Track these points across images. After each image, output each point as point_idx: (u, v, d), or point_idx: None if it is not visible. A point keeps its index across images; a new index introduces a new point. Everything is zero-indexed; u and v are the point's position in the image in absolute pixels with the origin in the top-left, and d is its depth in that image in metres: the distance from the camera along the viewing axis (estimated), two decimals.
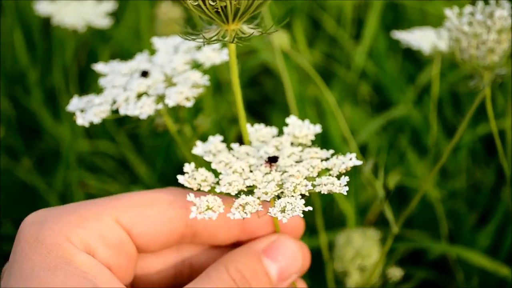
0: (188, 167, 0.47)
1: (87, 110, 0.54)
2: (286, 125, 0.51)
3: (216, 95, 0.99)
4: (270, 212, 0.43)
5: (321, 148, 0.49)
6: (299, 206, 0.43)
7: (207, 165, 0.49)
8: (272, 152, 0.49)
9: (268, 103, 1.12)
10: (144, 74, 0.56)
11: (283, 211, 0.43)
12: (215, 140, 0.50)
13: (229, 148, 0.50)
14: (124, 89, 0.55)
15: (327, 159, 0.48)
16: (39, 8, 0.95)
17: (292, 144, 0.50)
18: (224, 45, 0.57)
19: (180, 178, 0.47)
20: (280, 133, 0.52)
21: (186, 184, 0.46)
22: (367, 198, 0.90)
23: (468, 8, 0.59)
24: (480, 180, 0.95)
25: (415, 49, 0.79)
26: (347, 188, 0.44)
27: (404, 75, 1.05)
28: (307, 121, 0.51)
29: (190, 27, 0.49)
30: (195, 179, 0.47)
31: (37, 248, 0.42)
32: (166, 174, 1.03)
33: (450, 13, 0.59)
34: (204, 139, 0.53)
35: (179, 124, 0.65)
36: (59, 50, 1.08)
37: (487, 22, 0.57)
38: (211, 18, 0.46)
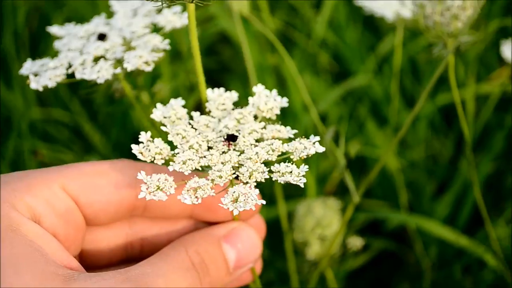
0: (143, 137, 0.45)
1: (41, 74, 0.52)
2: (252, 94, 0.49)
3: (174, 63, 0.97)
4: (221, 203, 0.41)
5: (281, 119, 0.48)
6: (253, 198, 0.41)
7: (164, 136, 0.47)
8: (232, 127, 0.46)
9: (226, 72, 1.11)
10: (102, 37, 0.53)
11: (235, 201, 0.41)
12: (176, 104, 0.48)
13: (190, 116, 0.48)
14: (80, 53, 0.53)
15: (290, 139, 0.46)
16: None
17: (255, 117, 0.48)
18: (185, 9, 0.55)
19: (134, 148, 0.44)
20: (243, 103, 0.50)
21: (139, 156, 0.44)
22: (325, 167, 0.90)
23: None
24: (439, 151, 0.95)
25: (377, 17, 0.78)
26: (305, 180, 0.42)
27: (364, 45, 1.04)
28: (274, 92, 0.48)
29: None
30: (149, 150, 0.44)
31: None
32: (122, 143, 1.01)
33: None
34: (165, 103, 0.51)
35: (137, 90, 0.63)
36: (9, 15, 1.05)
37: None
38: None
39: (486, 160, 0.86)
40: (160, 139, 0.45)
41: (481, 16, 1.01)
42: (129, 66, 0.50)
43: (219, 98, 0.49)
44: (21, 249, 0.40)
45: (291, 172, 0.42)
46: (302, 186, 0.42)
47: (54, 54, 0.55)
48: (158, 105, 0.48)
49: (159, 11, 0.57)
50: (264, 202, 0.41)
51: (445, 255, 0.83)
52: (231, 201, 0.41)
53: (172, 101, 0.48)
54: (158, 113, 0.48)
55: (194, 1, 0.45)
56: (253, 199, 0.41)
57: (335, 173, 0.81)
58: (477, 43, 0.95)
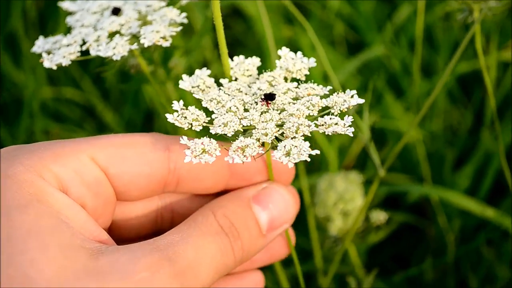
0: (177, 105, 0.44)
1: (54, 51, 0.51)
2: (269, 66, 0.48)
3: (186, 39, 0.95)
4: (274, 156, 0.40)
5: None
6: (306, 149, 0.40)
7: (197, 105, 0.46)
8: (266, 89, 0.45)
9: (239, 46, 1.09)
10: (116, 11, 0.52)
11: (288, 154, 0.40)
12: (202, 74, 0.47)
13: (218, 84, 0.47)
14: (94, 29, 0.51)
15: (325, 95, 0.45)
16: None
17: (285, 79, 0.47)
18: None
19: (169, 117, 0.43)
20: (264, 68, 0.49)
21: (176, 123, 0.43)
22: (344, 140, 0.88)
23: None
24: (458, 121, 0.93)
25: None
26: (352, 129, 0.41)
27: (379, 15, 1.02)
28: (299, 53, 0.48)
29: None
30: (185, 118, 0.43)
31: (6, 184, 0.39)
32: (134, 121, 0.99)
33: None
34: (177, 83, 0.50)
35: (153, 65, 0.61)
36: None
37: None
38: None
39: (508, 129, 0.84)
40: (194, 106, 0.44)
41: None
42: (146, 42, 0.49)
43: (242, 64, 0.48)
44: (47, 220, 0.38)
45: (336, 123, 0.42)
46: (351, 135, 0.41)
47: (64, 32, 0.53)
48: (184, 76, 0.47)
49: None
50: (318, 152, 0.40)
51: (468, 227, 0.82)
52: (284, 154, 0.40)
53: (197, 71, 0.47)
54: (186, 83, 0.46)
55: None
56: (306, 150, 0.40)
57: (354, 146, 0.80)
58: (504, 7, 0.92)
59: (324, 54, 0.63)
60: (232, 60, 0.48)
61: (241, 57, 0.48)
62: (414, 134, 0.83)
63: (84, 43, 0.51)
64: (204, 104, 0.44)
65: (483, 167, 0.84)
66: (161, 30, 0.49)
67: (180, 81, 0.46)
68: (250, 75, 0.47)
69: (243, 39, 1.10)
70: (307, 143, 0.40)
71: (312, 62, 0.47)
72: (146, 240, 0.40)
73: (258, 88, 0.45)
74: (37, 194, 0.39)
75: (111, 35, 0.51)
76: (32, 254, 0.37)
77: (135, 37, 0.51)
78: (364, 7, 1.01)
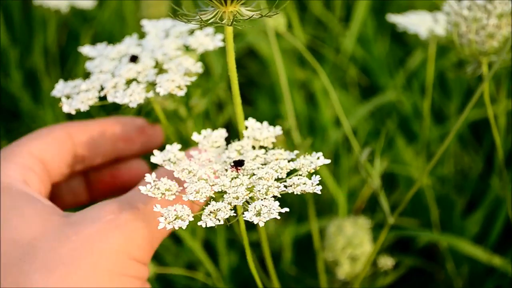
0: (149, 177, 0.46)
1: (74, 96, 0.52)
2: (246, 128, 0.50)
3: (204, 80, 0.97)
4: (245, 216, 0.42)
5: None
6: (275, 208, 0.42)
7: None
8: (235, 157, 0.48)
9: (254, 86, 1.10)
10: (134, 59, 0.54)
11: (258, 214, 0.42)
12: (173, 149, 0.49)
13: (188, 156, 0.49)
14: (112, 75, 0.53)
15: (292, 160, 0.47)
16: None
17: (253, 147, 0.49)
18: (218, 30, 0.55)
19: (142, 189, 0.45)
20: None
21: (150, 195, 0.45)
22: (355, 183, 0.89)
23: None
24: (469, 166, 0.94)
25: (411, 33, 0.77)
26: (320, 187, 0.43)
27: (392, 59, 1.03)
28: (265, 123, 0.50)
29: (174, 9, 0.47)
30: (158, 188, 0.46)
31: None
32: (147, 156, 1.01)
33: None
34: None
35: (176, 103, 0.63)
36: (39, 31, 1.05)
37: (487, 6, 0.56)
38: None
39: None
40: (166, 177, 0.46)
41: None
42: (162, 91, 0.50)
43: (210, 137, 0.50)
44: (22, 198, 0.48)
45: (305, 183, 0.44)
46: (319, 192, 0.43)
47: (83, 70, 0.55)
48: (155, 151, 0.49)
49: (191, 32, 0.56)
50: (287, 209, 0.42)
51: (476, 273, 0.82)
52: (254, 214, 0.42)
53: (168, 146, 0.49)
54: (157, 158, 0.49)
55: (232, 24, 0.45)
56: (275, 209, 0.42)
57: (365, 190, 0.81)
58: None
59: (336, 98, 0.64)
60: (199, 133, 0.51)
61: (209, 130, 0.51)
62: (424, 179, 0.83)
63: (102, 88, 0.52)
64: (176, 175, 0.46)
65: (492, 214, 0.85)
66: (177, 79, 0.51)
67: (151, 156, 0.49)
68: (219, 146, 0.50)
69: (258, 79, 1.12)
70: (277, 203, 0.42)
71: (278, 130, 0.50)
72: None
73: (228, 157, 0.48)
74: (10, 183, 0.50)
75: (128, 82, 0.52)
76: (14, 223, 0.47)
77: (151, 85, 0.52)
78: (378, 50, 1.03)
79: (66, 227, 0.46)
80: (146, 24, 0.58)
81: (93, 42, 1.09)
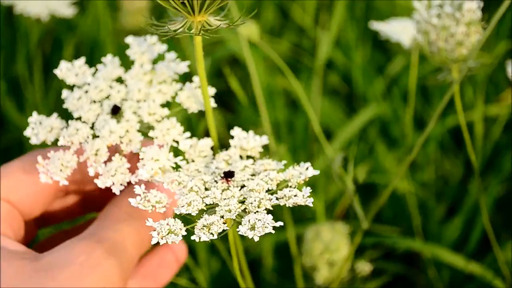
0: (139, 189, 0.45)
1: (51, 160, 0.48)
2: (232, 137, 0.50)
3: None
4: (239, 231, 0.42)
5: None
6: (269, 221, 0.41)
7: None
8: (223, 167, 0.48)
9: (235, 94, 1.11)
10: (115, 111, 0.50)
11: (253, 228, 0.41)
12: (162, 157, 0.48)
13: (177, 167, 0.48)
14: (91, 129, 0.49)
15: (281, 170, 0.47)
16: None
17: (241, 157, 0.49)
18: (189, 39, 0.55)
19: (132, 201, 0.44)
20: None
21: (140, 207, 0.44)
22: (334, 192, 0.90)
23: (437, 0, 0.58)
24: (449, 172, 0.94)
25: (393, 42, 0.78)
26: (311, 199, 0.43)
27: (373, 65, 1.04)
28: (251, 133, 0.50)
29: (156, 18, 0.47)
30: (148, 201, 0.45)
31: None
32: None
33: (419, 5, 0.59)
34: None
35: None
36: (23, 39, 1.06)
37: (456, 14, 0.57)
38: (177, 9, 0.45)
39: (496, 182, 0.86)
40: (155, 189, 0.45)
41: (488, 38, 1.01)
42: (145, 174, 0.47)
43: (196, 146, 0.50)
44: None
45: (296, 195, 0.43)
46: (311, 205, 0.43)
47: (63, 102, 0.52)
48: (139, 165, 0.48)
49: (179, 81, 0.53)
50: (282, 223, 0.42)
51: (457, 278, 0.83)
52: (249, 228, 0.41)
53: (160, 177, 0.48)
54: (143, 172, 0.47)
55: (200, 34, 0.45)
56: (269, 223, 0.41)
57: (344, 198, 0.82)
58: (484, 66, 0.95)
59: (309, 106, 0.65)
60: (185, 142, 0.49)
61: (194, 139, 0.50)
62: (403, 184, 0.84)
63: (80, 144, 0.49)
64: (165, 186, 0.46)
65: (471, 219, 0.86)
66: (161, 159, 0.48)
67: (137, 171, 0.48)
68: (206, 156, 0.49)
69: (241, 86, 1.12)
70: (270, 216, 0.42)
71: (264, 139, 0.49)
72: (70, 239, 0.48)
73: (216, 167, 0.47)
74: None
75: (111, 148, 0.49)
76: None
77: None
78: (359, 57, 1.04)
79: (40, 273, 0.45)
80: (131, 43, 0.54)
81: (77, 50, 1.10)
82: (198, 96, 0.52)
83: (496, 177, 0.86)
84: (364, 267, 0.68)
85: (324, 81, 1.03)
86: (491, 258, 0.78)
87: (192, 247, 0.84)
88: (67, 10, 0.92)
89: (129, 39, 0.54)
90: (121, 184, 0.48)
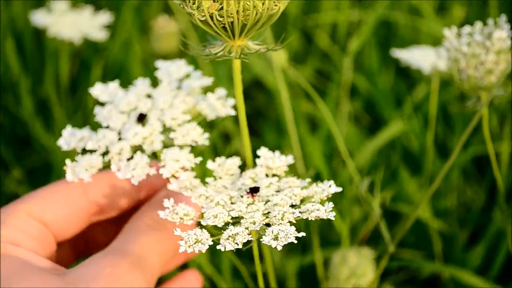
0: (167, 202, 0.47)
1: (78, 160, 0.51)
2: (258, 157, 0.51)
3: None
4: (263, 240, 0.43)
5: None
6: (292, 232, 0.43)
7: None
8: (249, 184, 0.49)
9: (261, 117, 1.12)
10: (141, 118, 0.53)
11: (276, 238, 0.43)
12: (189, 176, 0.50)
13: (205, 183, 0.50)
14: (118, 135, 0.53)
15: (305, 187, 0.48)
16: (35, 19, 0.95)
17: (266, 175, 0.50)
18: (226, 64, 0.57)
19: (161, 214, 0.47)
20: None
21: (169, 219, 0.47)
22: (358, 216, 0.90)
23: (466, 29, 0.59)
24: (471, 199, 0.95)
25: (414, 68, 0.79)
26: (334, 214, 0.45)
27: (397, 91, 1.05)
28: (277, 153, 0.51)
29: (184, 43, 0.48)
30: (177, 213, 0.47)
31: None
32: None
33: (449, 33, 0.60)
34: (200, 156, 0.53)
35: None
36: (51, 60, 1.08)
37: (485, 43, 0.58)
38: (218, 33, 0.46)
39: None
40: (184, 203, 0.47)
41: None
42: (165, 173, 0.50)
43: (224, 165, 0.52)
44: (16, 264, 0.47)
45: (318, 209, 0.45)
46: (333, 219, 0.45)
47: (93, 100, 0.56)
48: (172, 179, 0.50)
49: (204, 91, 0.56)
50: (304, 234, 0.44)
51: None
52: (272, 238, 0.43)
53: (183, 174, 0.50)
54: (173, 185, 0.50)
55: (240, 57, 0.47)
56: (292, 233, 0.43)
57: (368, 222, 0.82)
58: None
59: (337, 130, 0.66)
60: (213, 160, 0.52)
61: (223, 158, 0.52)
62: (426, 210, 0.85)
63: (107, 150, 0.52)
64: (193, 200, 0.48)
65: (494, 247, 0.86)
66: (181, 159, 0.50)
67: (168, 184, 0.50)
68: (233, 174, 0.51)
69: (265, 111, 1.14)
70: (293, 227, 0.44)
71: (290, 159, 0.51)
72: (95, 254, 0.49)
73: (242, 184, 0.49)
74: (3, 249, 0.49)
75: (134, 149, 0.52)
76: (15, 283, 0.46)
77: (154, 155, 0.52)
78: (382, 83, 1.05)
79: (66, 285, 0.46)
80: (160, 66, 0.57)
81: (104, 72, 1.11)
82: (217, 106, 0.54)
83: None
84: None
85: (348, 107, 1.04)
86: None
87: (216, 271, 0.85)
88: (99, 34, 0.94)
89: (159, 63, 0.57)
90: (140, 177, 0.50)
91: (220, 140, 0.93)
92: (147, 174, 0.50)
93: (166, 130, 0.53)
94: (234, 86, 0.49)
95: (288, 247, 0.87)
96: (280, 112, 1.02)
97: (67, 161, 0.52)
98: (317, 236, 0.72)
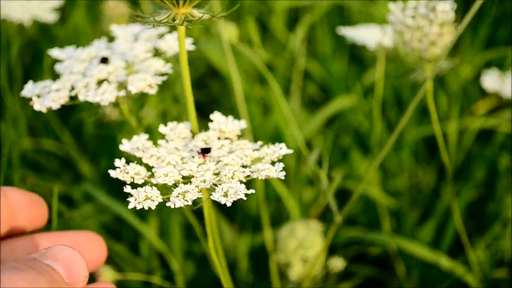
0: (119, 162, 0.48)
1: (44, 95, 0.53)
2: (212, 121, 0.52)
3: (161, 89, 0.98)
4: (213, 197, 0.44)
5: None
6: (242, 189, 0.44)
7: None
8: (201, 146, 0.50)
9: (215, 104, 1.13)
10: (104, 60, 0.55)
11: (225, 195, 0.44)
12: (141, 138, 0.51)
13: (157, 145, 0.51)
14: (83, 76, 0.54)
15: (256, 150, 0.49)
16: None
17: (219, 138, 0.51)
18: (174, 28, 0.57)
19: (112, 173, 0.47)
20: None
21: (119, 177, 0.47)
22: (309, 197, 0.91)
23: (411, 2, 0.60)
24: (422, 180, 0.96)
25: (362, 48, 0.80)
26: (284, 173, 0.46)
27: (350, 77, 1.06)
28: (231, 117, 0.52)
29: (137, 11, 0.49)
30: (127, 173, 0.47)
31: None
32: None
33: (394, 6, 0.61)
34: (148, 131, 0.53)
35: (123, 115, 0.64)
36: (3, 48, 1.07)
37: (429, 15, 0.59)
38: (162, 1, 0.47)
39: (468, 188, 0.88)
40: (135, 162, 0.48)
41: (464, 49, 1.04)
42: (133, 89, 0.52)
43: (176, 129, 0.52)
44: None
45: (268, 169, 0.46)
46: (283, 178, 0.45)
47: (57, 74, 0.56)
48: (124, 140, 0.51)
49: (161, 36, 0.58)
50: (254, 191, 0.44)
51: (428, 279, 0.84)
52: (222, 195, 0.44)
53: (135, 137, 0.51)
54: (126, 146, 0.50)
55: (184, 24, 0.47)
56: (242, 190, 0.44)
57: (318, 200, 0.83)
58: (458, 74, 0.97)
59: (288, 108, 0.66)
60: (165, 125, 0.53)
61: (174, 123, 0.53)
62: (376, 190, 0.86)
63: (73, 88, 0.53)
64: (144, 161, 0.48)
65: (444, 224, 0.87)
66: (148, 78, 0.53)
67: (120, 145, 0.51)
68: (185, 137, 0.52)
69: (220, 97, 1.14)
70: (243, 185, 0.45)
71: (243, 124, 0.52)
72: None
73: (194, 146, 0.50)
74: None
75: (99, 82, 0.54)
76: None
77: (121, 85, 0.54)
78: (336, 68, 1.06)
79: None
80: (115, 28, 0.59)
81: (56, 60, 1.11)
82: (175, 45, 0.56)
83: (468, 183, 0.88)
84: (337, 263, 0.69)
85: (303, 92, 1.05)
86: (462, 260, 0.80)
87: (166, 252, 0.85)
88: (49, 16, 0.94)
89: (114, 26, 0.58)
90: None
91: (170, 116, 0.93)
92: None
93: (129, 67, 0.54)
94: (179, 52, 0.49)
95: (240, 227, 0.87)
96: (235, 99, 1.02)
97: (34, 97, 0.53)
98: (266, 211, 0.72)
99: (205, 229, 0.49)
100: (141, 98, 0.83)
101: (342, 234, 0.82)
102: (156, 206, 0.45)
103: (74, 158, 1.04)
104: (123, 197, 0.81)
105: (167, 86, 0.96)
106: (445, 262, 0.76)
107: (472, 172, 0.90)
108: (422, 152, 0.98)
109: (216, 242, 0.56)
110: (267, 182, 0.85)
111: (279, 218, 0.89)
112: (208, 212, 0.48)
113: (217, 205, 0.92)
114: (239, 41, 0.72)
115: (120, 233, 0.91)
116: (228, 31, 0.70)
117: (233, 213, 0.90)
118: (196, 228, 0.71)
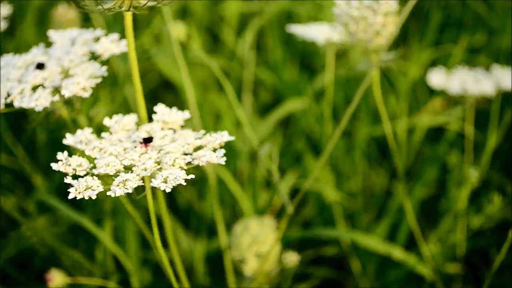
0: (61, 155, 0.48)
1: None
2: (155, 113, 0.52)
3: (112, 89, 0.98)
4: (153, 183, 0.44)
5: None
6: (181, 176, 0.45)
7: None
8: (145, 136, 0.50)
9: None
10: (40, 66, 0.55)
11: (165, 181, 0.45)
12: (85, 132, 0.51)
13: (100, 138, 0.51)
14: (19, 82, 0.54)
15: (199, 138, 0.50)
16: None
17: (162, 129, 0.52)
18: (122, 36, 0.58)
19: (54, 166, 0.47)
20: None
21: (61, 170, 0.47)
22: (265, 200, 0.91)
23: None
24: (375, 181, 0.97)
25: (309, 41, 0.81)
26: (224, 158, 0.46)
27: (302, 83, 1.07)
28: (174, 108, 0.53)
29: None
30: (69, 165, 0.47)
31: None
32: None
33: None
34: (100, 130, 0.53)
35: (74, 114, 0.64)
36: None
37: (373, 6, 0.60)
38: None
39: (419, 186, 0.89)
40: (77, 155, 0.48)
41: (412, 48, 1.06)
42: (67, 93, 0.52)
43: (121, 122, 0.52)
44: None
45: (210, 155, 0.47)
46: (223, 163, 0.46)
47: None
48: (67, 134, 0.51)
49: (97, 39, 0.58)
50: (193, 176, 0.45)
51: (383, 274, 0.85)
52: (162, 181, 0.44)
53: (79, 131, 0.51)
54: (69, 140, 0.51)
55: (129, 9, 0.48)
56: (181, 176, 0.45)
57: (274, 203, 0.84)
58: (406, 74, 0.99)
59: (241, 111, 0.67)
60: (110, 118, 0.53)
61: (120, 115, 0.53)
62: (331, 193, 0.87)
63: (8, 95, 0.53)
64: (87, 152, 0.49)
65: (397, 221, 0.88)
66: (81, 81, 0.52)
67: (63, 139, 0.51)
68: (129, 130, 0.52)
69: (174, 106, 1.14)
70: (183, 172, 0.45)
71: (186, 114, 0.52)
72: None
73: (137, 136, 0.51)
74: None
75: (35, 88, 0.53)
76: None
77: (57, 90, 0.54)
78: (288, 76, 1.07)
79: None
80: (53, 34, 0.59)
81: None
82: (111, 47, 0.56)
83: (419, 181, 0.90)
84: (291, 257, 0.69)
85: (256, 99, 1.06)
86: (416, 253, 0.81)
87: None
88: None
89: (50, 32, 0.58)
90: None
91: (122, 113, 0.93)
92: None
93: (65, 71, 0.54)
94: (127, 40, 0.49)
95: (195, 233, 0.87)
96: (188, 109, 1.02)
97: None
98: (219, 211, 0.73)
99: (154, 227, 0.49)
100: (92, 98, 0.83)
101: (297, 233, 0.82)
102: (110, 212, 0.45)
103: (28, 172, 1.03)
104: (77, 207, 0.81)
105: (119, 86, 0.95)
106: (398, 254, 0.77)
107: (424, 171, 0.91)
108: (374, 153, 0.99)
109: (172, 248, 0.56)
110: (221, 184, 0.85)
111: (234, 223, 0.89)
112: (151, 201, 0.48)
113: (173, 211, 0.91)
114: (188, 41, 0.72)
115: (76, 243, 0.90)
116: (177, 30, 0.70)
117: (188, 220, 0.90)
118: (147, 235, 0.71)
